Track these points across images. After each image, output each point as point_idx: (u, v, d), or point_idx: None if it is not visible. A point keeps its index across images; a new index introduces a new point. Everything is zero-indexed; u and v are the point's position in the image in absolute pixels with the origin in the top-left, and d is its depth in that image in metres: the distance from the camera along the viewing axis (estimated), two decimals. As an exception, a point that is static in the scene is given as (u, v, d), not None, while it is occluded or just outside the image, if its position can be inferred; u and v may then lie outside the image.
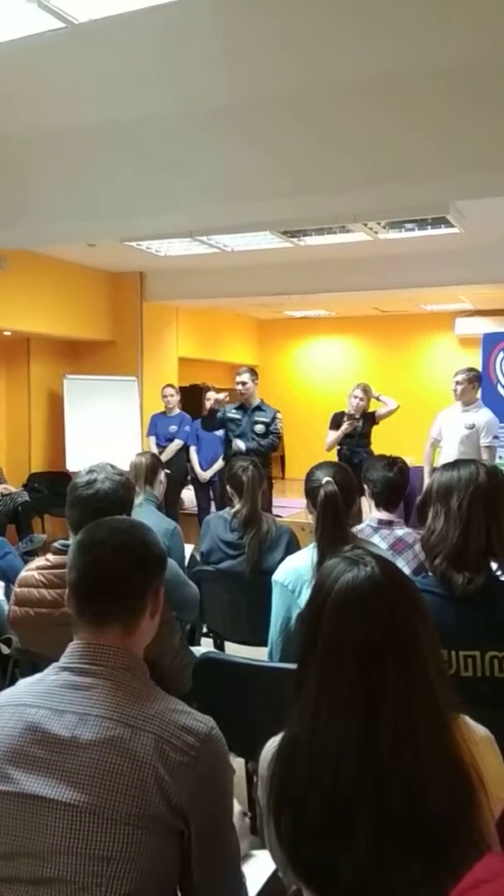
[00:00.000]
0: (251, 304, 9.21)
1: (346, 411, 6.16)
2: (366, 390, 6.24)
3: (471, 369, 5.66)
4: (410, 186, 3.35)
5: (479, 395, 5.69)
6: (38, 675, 1.33)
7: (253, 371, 6.01)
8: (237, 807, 1.43)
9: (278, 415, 5.96)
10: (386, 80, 3.18)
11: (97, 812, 1.15)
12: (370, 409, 6.25)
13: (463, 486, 1.77)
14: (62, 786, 1.16)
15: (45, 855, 1.14)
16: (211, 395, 7.10)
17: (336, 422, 6.21)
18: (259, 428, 5.84)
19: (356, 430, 6.05)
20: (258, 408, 5.90)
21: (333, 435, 6.18)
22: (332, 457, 5.91)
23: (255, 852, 1.60)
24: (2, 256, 6.29)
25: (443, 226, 5.20)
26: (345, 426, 6.06)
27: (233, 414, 5.90)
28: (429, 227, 5.26)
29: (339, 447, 6.15)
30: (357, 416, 6.08)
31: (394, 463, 3.15)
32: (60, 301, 7.10)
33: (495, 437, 5.47)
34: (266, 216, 4.19)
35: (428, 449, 5.78)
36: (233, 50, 3.06)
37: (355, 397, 6.19)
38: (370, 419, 6.22)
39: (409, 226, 5.31)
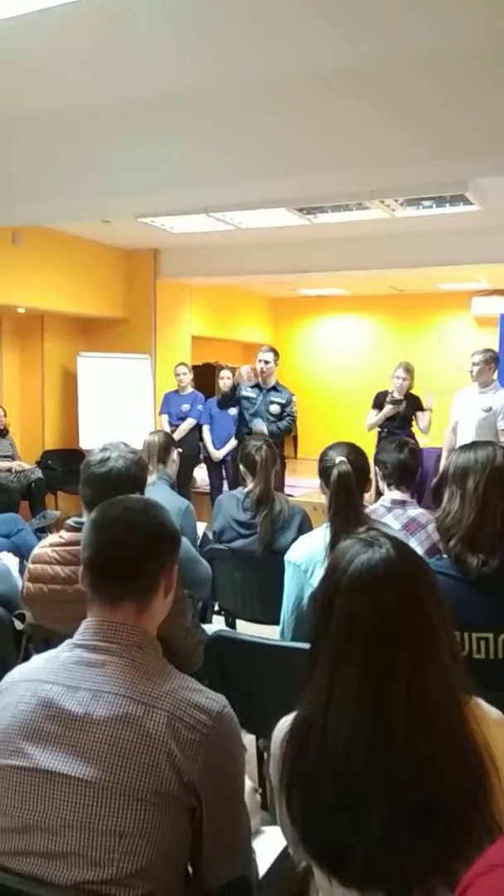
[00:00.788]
0: (265, 283, 9.15)
1: (390, 391, 5.85)
2: (408, 370, 5.85)
3: (488, 350, 5.61)
4: (429, 165, 3.30)
5: (496, 376, 5.63)
6: (52, 652, 1.34)
7: (275, 351, 5.99)
8: (248, 783, 1.44)
9: (293, 398, 5.94)
10: (409, 60, 3.12)
11: (110, 788, 1.16)
12: (413, 391, 5.89)
13: (479, 467, 1.75)
14: (75, 761, 1.18)
15: (57, 829, 1.16)
16: (226, 374, 7.10)
17: (378, 401, 5.90)
18: (274, 408, 5.82)
19: (398, 413, 5.74)
20: (274, 388, 5.88)
21: (375, 416, 5.85)
22: (372, 437, 5.67)
23: (265, 828, 1.62)
24: (16, 233, 6.27)
25: (461, 203, 5.11)
26: (387, 409, 5.75)
27: (248, 392, 5.88)
28: (447, 204, 5.17)
29: (379, 429, 5.84)
30: (400, 399, 5.77)
31: (404, 444, 3.17)
32: (74, 278, 7.08)
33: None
34: (283, 193, 4.13)
35: (448, 434, 5.66)
36: (253, 23, 3.00)
37: (398, 377, 5.81)
38: (414, 402, 5.84)
39: (426, 203, 5.22)
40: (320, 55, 3.19)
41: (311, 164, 3.48)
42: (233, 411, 6.44)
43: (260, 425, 5.72)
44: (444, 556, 1.78)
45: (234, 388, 5.91)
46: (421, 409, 5.80)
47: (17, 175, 4.16)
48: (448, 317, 9.94)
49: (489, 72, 3.03)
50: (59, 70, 3.48)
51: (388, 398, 5.79)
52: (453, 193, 4.83)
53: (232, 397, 5.95)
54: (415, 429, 5.87)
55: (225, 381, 7.01)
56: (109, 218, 5.99)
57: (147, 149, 3.78)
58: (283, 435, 5.83)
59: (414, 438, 5.32)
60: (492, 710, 1.14)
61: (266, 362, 5.83)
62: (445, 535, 1.76)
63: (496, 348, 5.97)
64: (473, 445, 1.84)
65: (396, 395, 5.78)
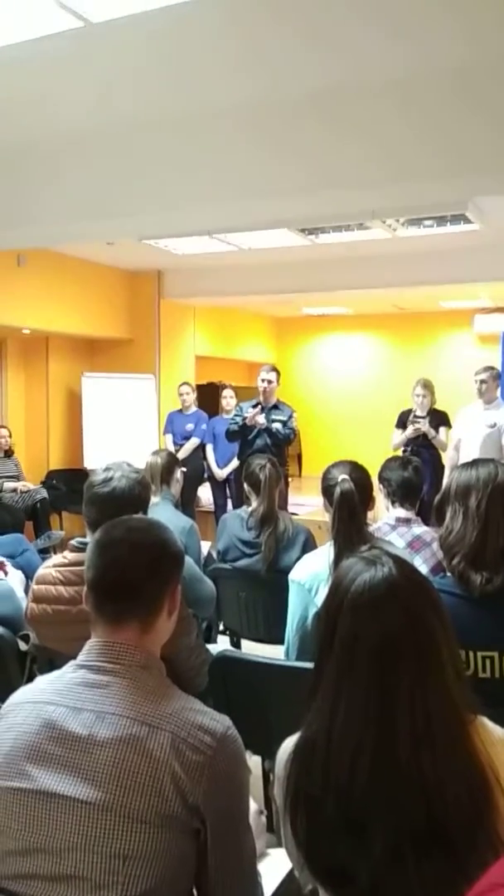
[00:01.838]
0: (268, 302, 9.20)
1: (413, 409, 5.79)
2: (426, 385, 5.81)
3: (491, 367, 5.63)
4: (429, 185, 3.33)
5: (499, 392, 5.64)
6: (56, 673, 1.34)
7: (277, 370, 6.01)
8: (253, 805, 1.43)
9: (294, 413, 5.95)
10: (405, 80, 3.16)
11: (114, 810, 1.15)
12: (436, 406, 5.83)
13: (482, 485, 1.75)
14: (79, 783, 1.17)
15: (61, 852, 1.15)
16: (228, 393, 7.12)
17: (402, 420, 5.81)
18: (276, 426, 5.84)
19: (419, 429, 5.66)
20: (275, 406, 5.89)
21: (400, 436, 5.77)
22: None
23: (270, 851, 1.60)
24: (21, 255, 6.34)
25: (462, 222, 5.16)
26: (409, 431, 5.69)
27: (249, 420, 5.89)
28: (448, 223, 5.22)
29: (404, 448, 5.72)
30: (424, 415, 5.69)
31: (408, 462, 3.17)
32: (79, 299, 7.13)
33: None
34: (284, 214, 4.17)
35: (451, 452, 5.64)
36: (249, 48, 3.06)
37: (417, 395, 5.78)
38: (437, 417, 5.75)
39: (427, 222, 5.27)
40: (315, 76, 3.24)
41: (312, 185, 3.51)
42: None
43: (259, 418, 5.69)
44: (448, 574, 1.78)
45: (245, 427, 5.87)
46: (446, 424, 5.78)
47: (22, 197, 4.21)
48: (451, 334, 9.97)
49: (488, 88, 3.07)
50: (63, 94, 3.54)
51: (411, 417, 5.77)
52: (454, 213, 4.88)
53: (241, 434, 5.93)
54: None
55: (228, 401, 7.02)
56: (113, 240, 6.06)
57: (149, 171, 3.83)
58: (283, 443, 5.79)
59: (438, 456, 5.33)
60: (497, 730, 1.14)
61: (269, 381, 5.85)
62: (448, 553, 1.76)
63: (498, 365, 5.97)
64: (475, 463, 1.84)
65: (419, 413, 5.76)
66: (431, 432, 5.67)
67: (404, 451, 5.69)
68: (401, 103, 3.24)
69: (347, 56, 3.09)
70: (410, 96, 3.21)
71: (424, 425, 5.64)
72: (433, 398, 5.85)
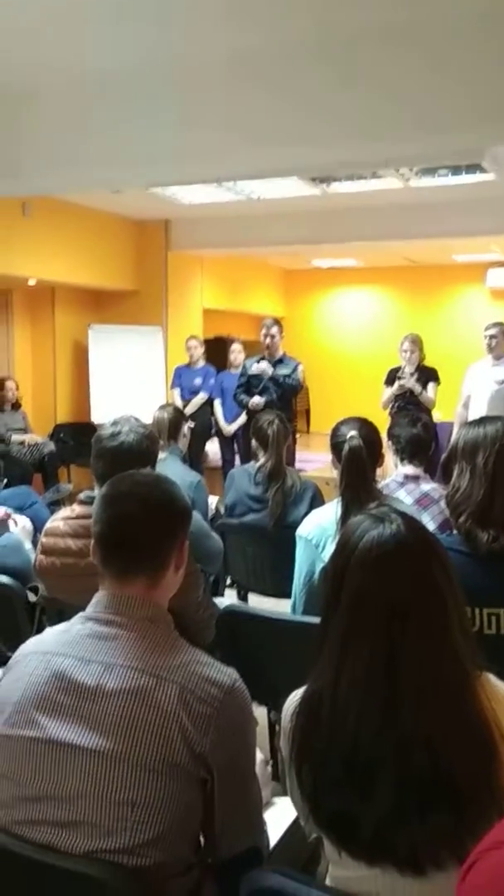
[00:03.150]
0: (278, 254, 9.05)
1: (402, 366, 5.68)
2: (414, 341, 5.66)
3: (501, 323, 5.55)
4: (445, 133, 3.23)
5: (510, 348, 5.57)
6: (64, 625, 1.35)
7: (279, 323, 5.94)
8: (259, 755, 1.46)
9: (300, 366, 5.87)
10: (421, 26, 3.04)
11: (122, 759, 1.17)
12: (426, 363, 5.70)
13: (489, 443, 1.74)
14: (88, 732, 1.19)
15: (71, 799, 1.18)
16: (237, 346, 7.07)
17: (391, 377, 5.71)
18: (281, 374, 5.79)
19: (404, 385, 5.56)
20: (280, 360, 5.84)
21: (388, 392, 5.68)
22: (386, 415, 5.49)
23: (276, 800, 1.64)
24: (26, 203, 6.22)
25: (477, 172, 5.02)
26: (394, 387, 5.60)
27: (254, 371, 5.85)
28: (463, 172, 5.09)
29: (393, 404, 5.65)
30: (412, 371, 5.58)
31: (418, 419, 3.16)
32: (85, 249, 7.03)
33: (526, 393, 5.35)
34: (295, 161, 4.07)
35: (460, 409, 5.56)
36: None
37: (404, 351, 5.65)
38: (426, 374, 5.62)
39: (442, 171, 5.13)
40: (330, 21, 3.12)
41: (324, 133, 3.42)
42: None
43: (257, 400, 5.68)
44: (455, 531, 1.77)
45: (249, 381, 5.80)
46: (435, 380, 5.64)
47: (26, 144, 4.11)
48: (463, 289, 9.82)
49: (495, 37, 2.95)
50: (66, 39, 3.42)
51: (400, 373, 5.66)
52: (469, 162, 4.74)
53: (247, 390, 5.87)
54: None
55: (236, 355, 6.97)
56: (120, 188, 5.93)
57: (157, 117, 3.72)
58: (291, 392, 5.72)
59: (429, 413, 5.26)
60: (502, 686, 1.15)
61: (272, 336, 5.79)
62: (455, 511, 1.75)
63: (510, 321, 5.89)
64: (483, 421, 1.82)
65: (407, 370, 5.64)
66: (417, 388, 5.52)
67: (391, 409, 5.62)
68: (415, 49, 3.11)
69: (368, 4, 2.96)
70: (425, 42, 3.08)
71: (410, 381, 5.52)
72: (422, 353, 5.68)
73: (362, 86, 3.25)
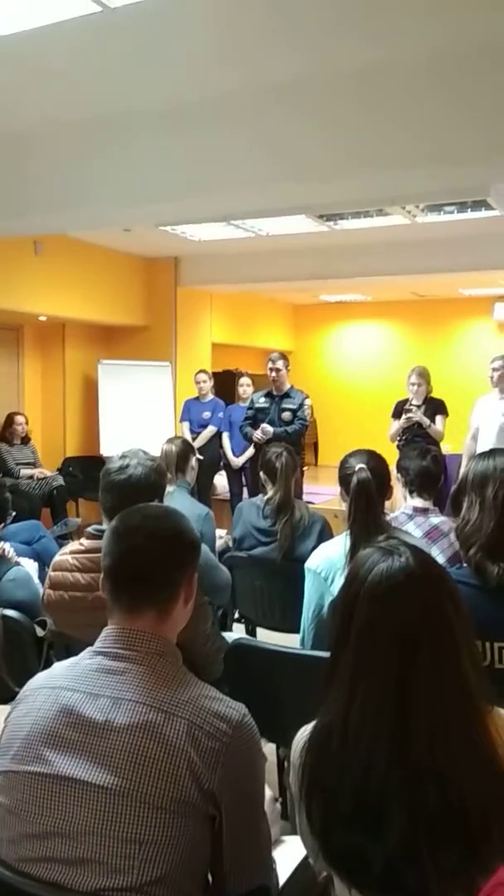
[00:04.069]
0: (286, 289, 9.16)
1: (409, 399, 5.66)
2: (421, 374, 5.65)
3: (508, 355, 5.56)
4: (451, 169, 3.29)
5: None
6: (73, 659, 1.35)
7: (285, 357, 5.98)
8: (268, 792, 1.44)
9: (307, 400, 5.90)
10: (430, 62, 3.12)
11: (129, 795, 1.16)
12: (433, 395, 5.68)
13: (499, 475, 1.74)
14: (95, 768, 1.18)
15: (78, 836, 1.16)
16: (245, 381, 7.12)
17: (398, 410, 5.69)
18: (286, 415, 5.82)
19: (416, 420, 5.53)
20: (286, 394, 5.88)
21: (395, 425, 5.65)
22: (394, 447, 5.45)
23: (285, 838, 1.61)
24: (38, 242, 6.34)
25: (483, 208, 5.09)
26: (402, 420, 5.58)
27: (261, 403, 5.89)
28: (468, 209, 5.16)
29: (402, 437, 5.61)
30: (419, 405, 5.57)
31: (427, 451, 3.15)
32: (95, 286, 7.14)
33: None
34: (302, 199, 4.14)
35: (469, 441, 5.56)
36: (273, 27, 3.01)
37: (412, 384, 5.65)
38: (434, 406, 5.60)
39: (448, 209, 5.21)
40: (338, 58, 3.20)
41: (330, 169, 3.48)
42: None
43: (266, 427, 5.71)
44: (465, 564, 1.77)
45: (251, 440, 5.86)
46: (443, 413, 5.64)
47: (39, 184, 4.21)
48: (470, 322, 9.88)
49: (499, 72, 3.01)
50: (79, 80, 3.52)
51: (407, 405, 5.65)
52: (474, 199, 4.81)
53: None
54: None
55: (245, 389, 7.01)
56: (130, 226, 6.04)
57: (167, 157, 3.81)
58: (293, 438, 5.79)
59: (437, 445, 5.25)
60: (513, 720, 1.13)
61: (277, 370, 5.83)
62: (465, 544, 1.75)
63: (518, 354, 5.90)
64: (492, 453, 1.82)
65: (415, 402, 5.65)
66: (425, 421, 5.52)
67: (399, 442, 5.59)
68: (421, 87, 3.19)
69: (371, 38, 3.04)
70: (432, 79, 3.16)
71: (417, 414, 5.52)
72: (429, 386, 5.69)
73: (369, 123, 3.32)
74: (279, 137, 3.53)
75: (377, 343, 10.64)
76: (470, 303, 9.49)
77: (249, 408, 6.01)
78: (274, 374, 5.84)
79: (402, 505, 3.09)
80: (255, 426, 5.87)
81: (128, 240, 6.82)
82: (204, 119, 3.68)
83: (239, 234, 5.97)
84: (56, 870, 1.16)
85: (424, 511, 2.97)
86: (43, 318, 7.07)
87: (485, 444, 5.16)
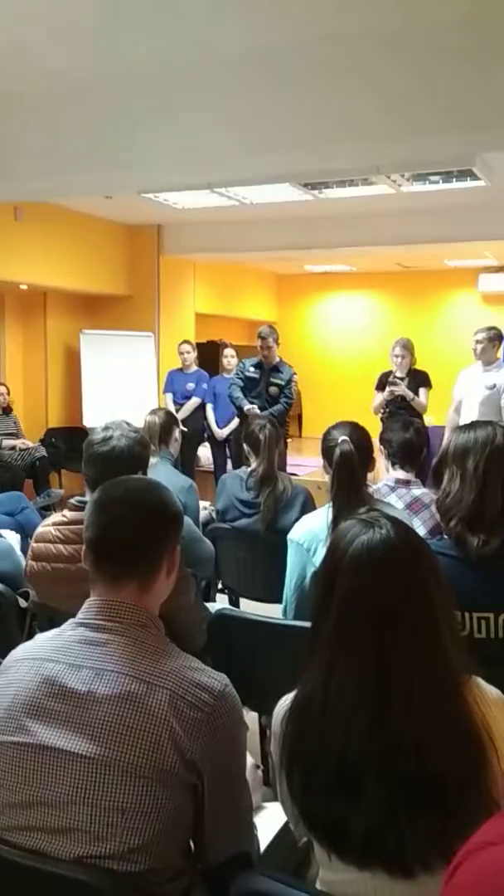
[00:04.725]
0: (270, 259, 9.07)
1: (393, 371, 5.66)
2: (405, 346, 5.63)
3: (492, 328, 5.56)
4: (435, 138, 3.25)
5: (500, 354, 5.59)
6: (55, 630, 1.35)
7: (275, 329, 5.96)
8: (250, 760, 1.46)
9: (294, 376, 5.91)
10: (413, 31, 3.06)
11: (112, 765, 1.17)
12: (417, 366, 5.68)
13: (479, 447, 1.75)
14: (78, 738, 1.19)
15: (61, 805, 1.17)
16: (229, 352, 7.09)
17: (381, 382, 5.67)
18: (273, 390, 5.82)
19: (396, 391, 5.53)
20: (276, 368, 5.86)
21: (379, 398, 5.65)
22: (377, 420, 5.49)
23: (266, 804, 1.64)
24: (18, 208, 6.22)
25: (468, 178, 5.05)
26: (385, 392, 5.57)
27: (251, 373, 5.88)
28: (454, 179, 5.11)
29: (386, 408, 5.62)
30: (402, 377, 5.57)
31: (409, 423, 3.17)
32: (77, 254, 7.03)
33: (516, 398, 5.37)
34: (286, 167, 4.08)
35: (452, 413, 5.57)
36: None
37: (395, 356, 5.63)
38: (417, 378, 5.59)
39: (433, 178, 5.16)
40: (321, 25, 3.13)
41: (315, 138, 3.43)
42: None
43: (253, 408, 5.72)
44: (445, 536, 1.78)
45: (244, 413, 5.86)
46: (426, 385, 5.64)
47: (19, 149, 4.11)
48: (455, 293, 9.87)
49: (495, 41, 2.97)
50: (56, 43, 3.43)
51: (391, 378, 5.65)
52: (460, 168, 4.77)
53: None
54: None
55: (229, 360, 6.98)
56: (112, 193, 5.94)
57: (149, 122, 3.73)
58: (278, 418, 5.78)
59: (420, 418, 5.27)
60: (491, 690, 1.15)
61: (268, 347, 5.82)
62: (446, 516, 1.76)
63: (503, 325, 5.91)
64: (473, 425, 1.83)
65: (398, 374, 5.64)
66: (409, 395, 5.52)
67: (383, 414, 5.60)
68: (406, 55, 3.13)
69: (351, 6, 2.98)
70: (416, 48, 3.10)
71: (401, 388, 5.52)
72: (413, 358, 5.67)
73: (353, 91, 3.27)
74: (261, 104, 3.46)
75: (362, 314, 10.61)
76: (455, 274, 9.47)
77: (239, 375, 5.97)
78: (265, 350, 5.83)
79: (384, 477, 3.11)
80: (244, 391, 5.87)
81: (110, 207, 6.71)
82: (188, 85, 3.60)
83: (223, 202, 5.88)
84: (39, 838, 1.17)
85: (406, 483, 2.99)
86: (24, 287, 6.96)
87: (467, 417, 5.19)
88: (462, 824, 0.96)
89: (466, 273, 9.34)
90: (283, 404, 5.80)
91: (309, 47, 3.27)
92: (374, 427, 2.86)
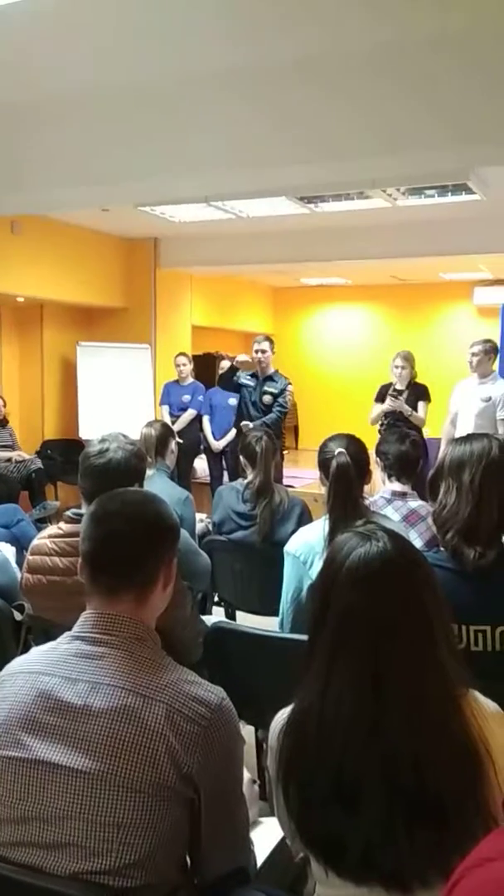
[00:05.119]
0: (266, 272, 9.11)
1: (392, 383, 5.64)
2: (406, 358, 5.61)
3: (487, 341, 5.59)
4: (429, 153, 3.28)
5: (496, 366, 5.62)
6: (51, 644, 1.34)
7: (271, 340, 5.98)
8: (246, 774, 1.45)
9: (289, 387, 5.91)
10: (407, 46, 3.09)
11: (108, 779, 1.16)
12: (417, 379, 5.66)
13: (475, 460, 1.75)
14: (73, 753, 1.18)
15: (56, 820, 1.16)
16: (226, 364, 7.09)
17: (381, 394, 5.64)
18: (266, 399, 5.83)
19: (394, 406, 5.51)
20: (270, 378, 5.88)
21: (377, 409, 5.61)
22: (375, 431, 5.44)
23: (263, 819, 1.63)
24: (15, 222, 6.24)
25: (463, 192, 5.09)
26: (386, 404, 5.56)
27: (246, 381, 5.90)
28: (449, 193, 5.15)
29: (383, 421, 5.59)
30: (402, 389, 5.55)
31: (406, 436, 3.17)
32: (74, 267, 7.05)
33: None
34: (282, 182, 4.11)
35: (447, 426, 5.58)
36: (246, 12, 2.98)
37: (396, 367, 5.60)
38: (417, 391, 5.57)
39: (429, 192, 5.20)
40: (315, 42, 3.16)
41: (311, 151, 3.45)
42: (232, 401, 6.44)
43: (248, 424, 5.74)
44: (442, 548, 1.78)
45: (233, 369, 5.88)
46: (426, 398, 5.62)
47: (16, 163, 4.13)
48: (450, 306, 9.91)
49: (489, 55, 3.00)
50: (59, 58, 3.45)
51: (391, 390, 5.64)
52: (455, 182, 4.81)
53: (230, 377, 5.92)
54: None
55: (223, 366, 6.99)
56: (108, 206, 5.97)
57: (146, 137, 3.75)
58: (272, 427, 5.77)
59: (419, 430, 5.28)
60: (489, 703, 1.15)
61: (263, 352, 5.83)
62: (442, 528, 1.76)
63: (497, 338, 5.93)
64: (469, 438, 1.83)
65: (399, 387, 5.65)
66: (407, 410, 5.50)
67: (381, 426, 5.58)
68: (401, 70, 3.16)
69: (346, 22, 3.01)
70: (411, 63, 3.13)
71: (399, 403, 5.51)
72: (413, 371, 5.66)
73: (347, 106, 3.30)
74: (257, 119, 3.48)
75: (358, 327, 10.64)
76: (450, 287, 9.51)
77: (231, 371, 5.96)
78: (259, 355, 5.84)
79: (381, 489, 3.11)
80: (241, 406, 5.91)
81: (107, 220, 6.74)
82: (185, 99, 3.63)
83: (219, 215, 5.92)
84: (34, 853, 1.16)
85: (403, 495, 2.99)
86: (21, 299, 6.97)
87: (463, 429, 5.20)
88: (459, 838, 0.96)
89: (461, 286, 9.38)
90: (276, 413, 5.80)
91: (304, 63, 3.30)
92: (370, 439, 2.86)
